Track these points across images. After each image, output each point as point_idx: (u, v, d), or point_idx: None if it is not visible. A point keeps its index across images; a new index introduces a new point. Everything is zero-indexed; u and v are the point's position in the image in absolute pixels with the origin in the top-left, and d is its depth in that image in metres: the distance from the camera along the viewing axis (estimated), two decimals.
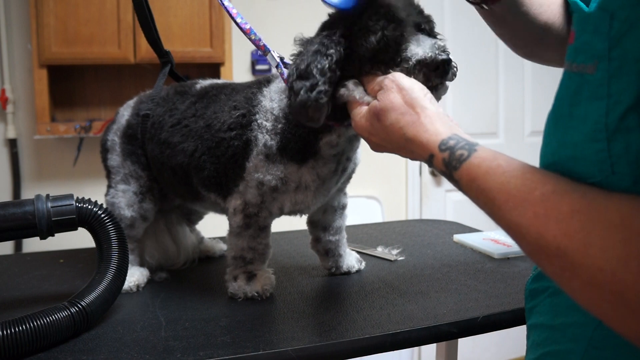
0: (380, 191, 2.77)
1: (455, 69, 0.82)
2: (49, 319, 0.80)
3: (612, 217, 0.44)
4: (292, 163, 0.94)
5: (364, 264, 1.16)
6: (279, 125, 0.94)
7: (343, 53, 0.82)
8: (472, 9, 0.89)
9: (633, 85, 0.45)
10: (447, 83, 0.82)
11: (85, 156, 2.41)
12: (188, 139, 1.03)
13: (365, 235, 1.44)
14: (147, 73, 2.27)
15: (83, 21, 2.15)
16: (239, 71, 2.50)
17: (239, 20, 0.99)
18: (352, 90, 0.81)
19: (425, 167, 2.80)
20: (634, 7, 0.45)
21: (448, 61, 0.79)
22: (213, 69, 2.31)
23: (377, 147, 0.78)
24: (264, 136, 0.95)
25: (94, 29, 2.16)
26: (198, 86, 1.11)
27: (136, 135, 1.12)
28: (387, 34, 0.80)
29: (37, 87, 2.17)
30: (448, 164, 0.63)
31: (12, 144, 2.36)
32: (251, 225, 0.99)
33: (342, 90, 0.82)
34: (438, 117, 0.70)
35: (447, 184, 2.16)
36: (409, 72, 0.79)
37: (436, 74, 0.79)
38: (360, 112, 0.79)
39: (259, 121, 0.96)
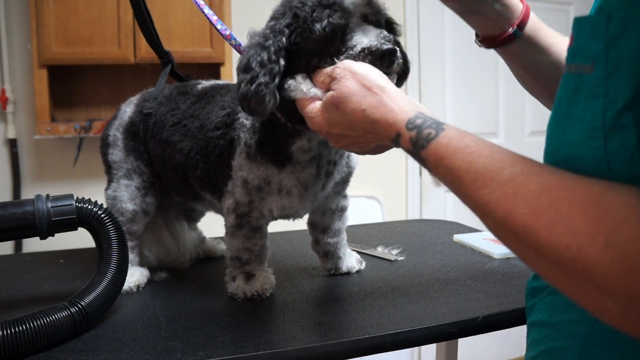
0: (380, 191, 2.77)
1: (400, 59, 0.81)
2: (49, 319, 0.80)
3: (583, 195, 0.44)
4: (271, 165, 0.94)
5: (364, 264, 1.16)
6: (256, 124, 0.95)
7: (285, 42, 0.81)
8: None
9: (628, 84, 0.46)
10: (395, 75, 0.81)
11: (85, 156, 2.41)
12: (186, 139, 1.05)
13: (365, 235, 1.44)
14: (147, 73, 2.27)
15: (83, 21, 2.15)
16: None
17: (219, 27, 1.02)
18: (300, 83, 0.80)
19: None
20: (630, 8, 0.46)
21: (392, 51, 0.78)
22: (213, 69, 2.31)
23: (339, 139, 0.76)
24: (245, 135, 0.96)
25: (94, 29, 2.16)
26: (199, 87, 1.12)
27: (139, 133, 1.13)
28: (333, 22, 0.79)
29: (37, 87, 2.17)
30: (415, 143, 0.63)
31: (12, 144, 2.36)
32: (244, 225, 0.99)
33: (290, 82, 0.81)
34: (400, 95, 0.69)
35: None
36: (354, 60, 0.77)
37: (381, 62, 0.77)
38: (313, 108, 0.77)
39: (241, 120, 0.97)
